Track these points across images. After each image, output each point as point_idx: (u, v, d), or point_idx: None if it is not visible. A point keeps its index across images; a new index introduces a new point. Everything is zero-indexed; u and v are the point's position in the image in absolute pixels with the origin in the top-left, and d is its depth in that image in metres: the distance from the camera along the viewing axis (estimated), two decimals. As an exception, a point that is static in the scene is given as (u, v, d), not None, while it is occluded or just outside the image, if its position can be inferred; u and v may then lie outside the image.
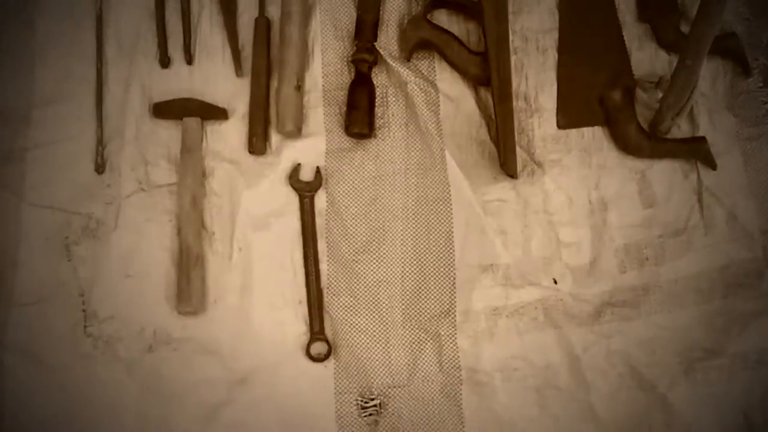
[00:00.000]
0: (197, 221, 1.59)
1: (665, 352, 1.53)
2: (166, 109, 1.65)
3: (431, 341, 1.56)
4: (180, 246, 1.57)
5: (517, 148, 1.60)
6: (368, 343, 1.56)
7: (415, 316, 1.57)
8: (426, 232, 1.60)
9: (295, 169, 1.63)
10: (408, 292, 1.58)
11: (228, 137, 1.67)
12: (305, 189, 1.63)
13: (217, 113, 1.66)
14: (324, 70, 1.70)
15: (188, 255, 1.56)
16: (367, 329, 1.57)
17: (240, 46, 1.70)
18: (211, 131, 1.67)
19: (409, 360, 1.55)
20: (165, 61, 1.70)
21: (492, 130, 1.65)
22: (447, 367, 1.54)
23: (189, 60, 1.71)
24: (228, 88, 1.69)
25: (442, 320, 1.56)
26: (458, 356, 1.55)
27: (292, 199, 1.63)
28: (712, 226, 1.59)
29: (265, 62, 1.68)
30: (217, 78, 1.70)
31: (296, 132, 1.65)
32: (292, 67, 1.65)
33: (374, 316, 1.57)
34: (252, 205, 1.62)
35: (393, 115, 1.68)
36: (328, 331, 1.57)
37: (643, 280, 1.57)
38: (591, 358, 1.53)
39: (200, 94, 1.67)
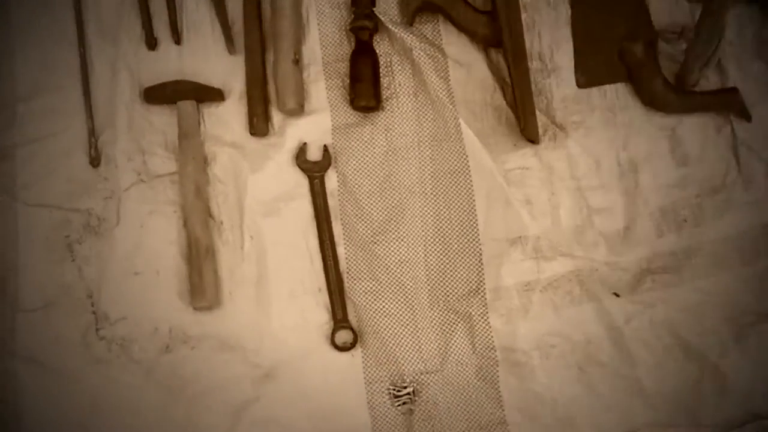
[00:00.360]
0: (203, 211, 1.57)
1: (713, 319, 1.53)
2: (158, 94, 1.62)
3: (462, 322, 1.55)
4: (188, 238, 1.55)
5: (536, 112, 1.59)
6: (395, 329, 1.55)
7: (443, 296, 1.56)
8: (446, 207, 1.59)
9: (302, 149, 1.61)
10: (433, 272, 1.57)
11: (227, 119, 1.64)
12: (314, 169, 1.61)
13: (213, 94, 1.63)
14: (322, 41, 1.68)
15: (197, 247, 1.53)
16: (393, 314, 1.56)
17: (230, 20, 1.67)
18: (208, 114, 1.64)
19: (440, 344, 1.54)
20: (152, 43, 1.67)
21: (507, 94, 1.64)
22: (481, 349, 1.54)
23: (177, 39, 1.67)
24: (221, 66, 1.66)
25: (472, 299, 1.55)
26: (492, 336, 1.54)
27: (301, 181, 1.61)
28: (751, 181, 1.58)
29: (259, 36, 1.65)
30: (209, 57, 1.67)
31: (299, 109, 1.62)
32: (287, 40, 1.62)
33: (399, 300, 1.56)
34: (259, 190, 1.60)
35: (400, 85, 1.65)
36: (352, 318, 1.56)
37: (682, 243, 1.56)
38: (634, 330, 1.53)
39: (192, 75, 1.64)
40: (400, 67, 1.66)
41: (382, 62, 1.65)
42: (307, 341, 1.55)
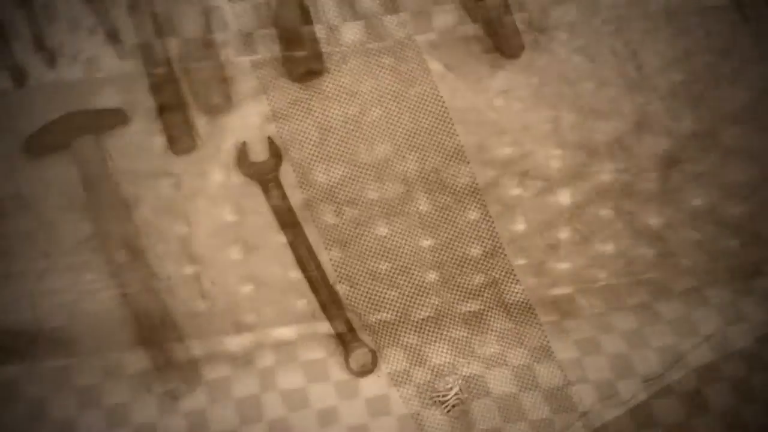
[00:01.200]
0: (143, 271, 1.26)
1: (763, 190, 1.36)
2: (44, 141, 1.31)
3: (488, 291, 1.31)
4: (134, 315, 1.23)
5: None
6: (414, 327, 1.29)
7: (457, 270, 1.32)
8: (432, 165, 1.37)
9: (242, 152, 1.36)
10: (438, 247, 1.33)
11: (139, 145, 1.34)
12: (263, 171, 1.35)
13: (113, 119, 1.34)
14: (233, 6, 1.39)
15: (150, 325, 1.23)
16: (405, 311, 1.30)
17: (112, 15, 1.37)
18: (113, 147, 1.33)
19: (471, 325, 1.30)
20: (19, 77, 1.35)
21: (472, 11, 1.44)
22: (517, 314, 1.30)
23: (50, 61, 1.36)
24: (116, 79, 1.35)
25: (491, 261, 1.33)
26: (526, 295, 1.31)
27: (254, 191, 1.33)
28: (760, 34, 1.40)
29: (153, 22, 1.37)
30: (97, 71, 1.35)
31: (225, 103, 1.37)
32: (191, 17, 1.37)
33: (409, 291, 1.31)
34: (205, 220, 1.31)
35: (341, 34, 1.40)
36: (363, 335, 1.30)
37: (703, 123, 1.38)
38: (676, 233, 1.34)
39: (82, 102, 1.34)
40: (336, 12, 1.40)
41: (312, 11, 1.40)
42: (323, 383, 1.24)
